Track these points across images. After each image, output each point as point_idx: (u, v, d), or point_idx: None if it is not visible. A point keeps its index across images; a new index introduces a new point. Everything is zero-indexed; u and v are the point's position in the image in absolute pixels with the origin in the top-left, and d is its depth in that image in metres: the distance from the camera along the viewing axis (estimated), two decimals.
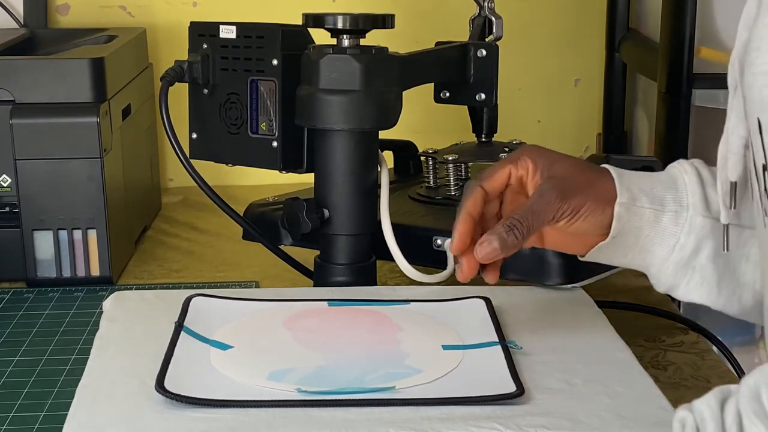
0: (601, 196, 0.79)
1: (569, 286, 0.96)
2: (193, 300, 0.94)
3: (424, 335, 0.87)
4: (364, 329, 0.87)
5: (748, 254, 0.79)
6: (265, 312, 0.93)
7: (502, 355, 0.83)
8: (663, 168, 0.84)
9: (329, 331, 0.88)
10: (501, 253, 0.78)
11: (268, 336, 0.88)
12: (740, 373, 0.96)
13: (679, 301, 1.01)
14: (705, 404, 0.59)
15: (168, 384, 0.77)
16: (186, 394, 0.75)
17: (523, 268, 0.96)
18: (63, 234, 1.10)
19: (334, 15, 0.99)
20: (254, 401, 0.75)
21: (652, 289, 0.85)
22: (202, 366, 0.81)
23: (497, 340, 0.86)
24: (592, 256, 0.83)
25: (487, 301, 0.92)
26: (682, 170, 0.81)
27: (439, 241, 1.02)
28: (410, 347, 0.84)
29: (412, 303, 0.93)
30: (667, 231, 0.80)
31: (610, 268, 0.96)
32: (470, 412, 0.72)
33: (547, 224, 0.80)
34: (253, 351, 0.85)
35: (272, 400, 0.76)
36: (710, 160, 0.80)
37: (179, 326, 0.88)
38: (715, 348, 0.97)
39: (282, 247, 1.09)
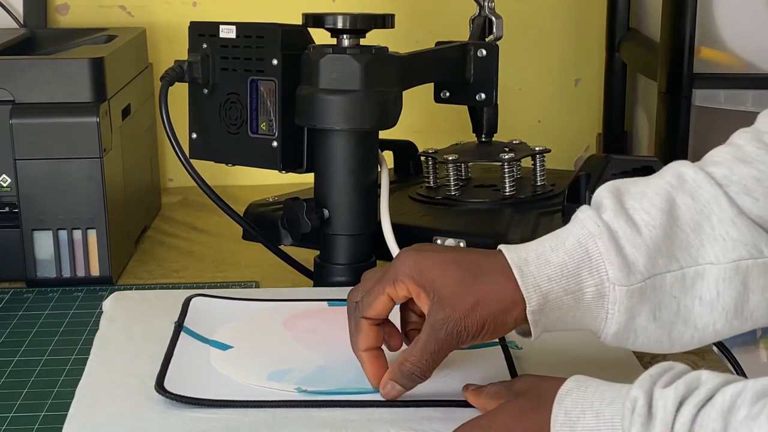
0: (498, 310, 0.71)
1: None
2: (193, 300, 0.94)
3: None
4: None
5: (701, 295, 0.71)
6: (265, 312, 0.93)
7: (502, 355, 0.83)
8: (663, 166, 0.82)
9: (329, 331, 0.88)
10: (409, 390, 0.74)
11: (268, 336, 0.88)
12: (740, 374, 0.96)
13: None
14: (662, 402, 0.57)
15: (168, 384, 0.77)
16: (186, 394, 0.75)
17: None
18: (63, 234, 1.10)
19: (334, 15, 0.99)
20: (254, 401, 0.75)
21: None
22: (202, 366, 0.81)
23: (497, 340, 0.86)
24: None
25: None
26: (592, 234, 0.71)
27: (438, 242, 1.02)
28: None
29: None
30: (593, 306, 0.72)
31: None
32: (470, 412, 0.72)
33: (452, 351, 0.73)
34: (252, 351, 0.85)
35: (272, 400, 0.76)
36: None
37: (179, 326, 0.88)
38: (715, 348, 0.97)
39: (282, 247, 1.09)
